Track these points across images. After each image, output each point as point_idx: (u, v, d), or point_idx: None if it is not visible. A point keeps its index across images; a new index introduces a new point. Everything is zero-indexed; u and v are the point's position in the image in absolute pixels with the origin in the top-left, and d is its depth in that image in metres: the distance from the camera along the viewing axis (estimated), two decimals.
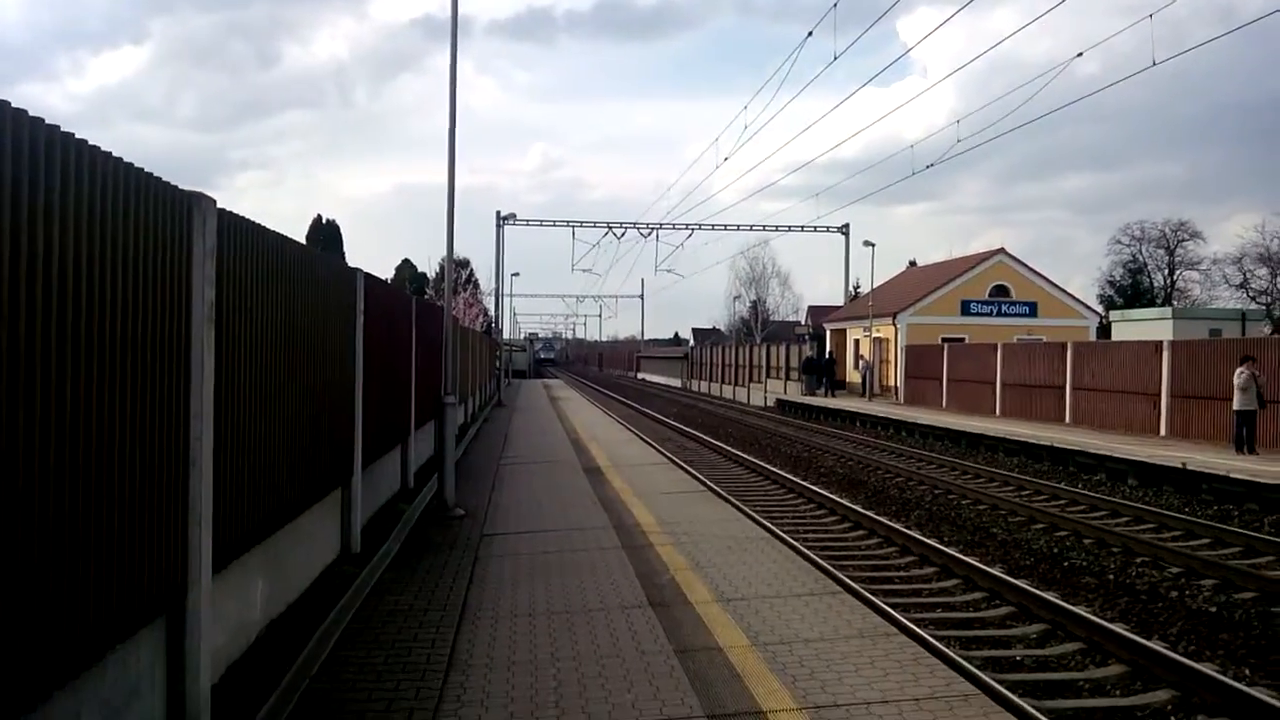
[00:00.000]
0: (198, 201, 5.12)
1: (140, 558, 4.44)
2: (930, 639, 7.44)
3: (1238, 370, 19.23)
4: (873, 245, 43.23)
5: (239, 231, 5.80)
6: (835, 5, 14.56)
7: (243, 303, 5.90)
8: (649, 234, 51.77)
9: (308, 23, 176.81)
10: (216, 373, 5.31)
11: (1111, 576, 10.72)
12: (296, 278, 7.16)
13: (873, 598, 8.74)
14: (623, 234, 51.63)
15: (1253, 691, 6.64)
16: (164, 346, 4.71)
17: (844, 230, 52.39)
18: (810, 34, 15.87)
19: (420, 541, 10.14)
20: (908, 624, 7.79)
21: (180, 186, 4.93)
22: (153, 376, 4.57)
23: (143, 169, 4.44)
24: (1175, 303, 61.35)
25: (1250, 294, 61.04)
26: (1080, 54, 21.18)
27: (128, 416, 4.29)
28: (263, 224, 6.29)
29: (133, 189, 4.33)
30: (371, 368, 10.18)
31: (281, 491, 6.87)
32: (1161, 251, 69.68)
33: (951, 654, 7.09)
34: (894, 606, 8.70)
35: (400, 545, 9.89)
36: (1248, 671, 7.58)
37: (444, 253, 14.50)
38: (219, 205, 5.35)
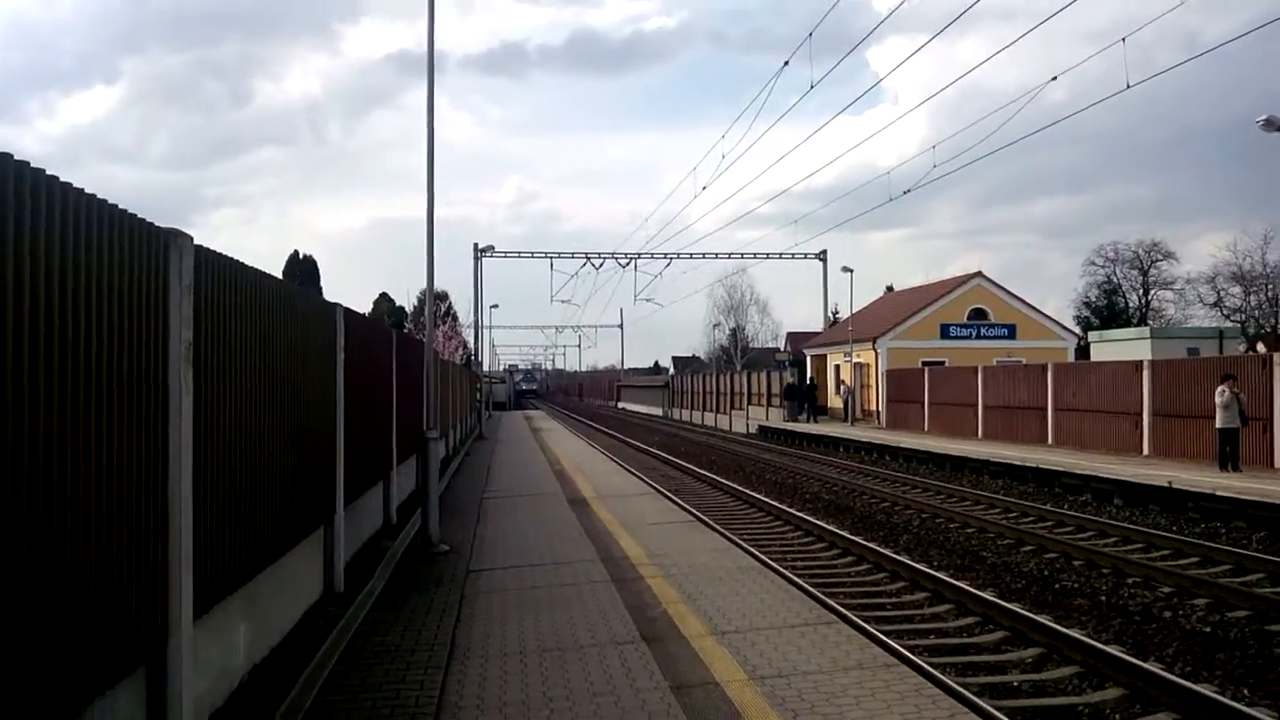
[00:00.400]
0: (174, 239, 5.01)
1: (119, 606, 4.29)
2: (930, 669, 7.33)
3: (1219, 388, 19.32)
4: (851, 271, 43.46)
5: (216, 268, 5.68)
6: (810, 35, 14.66)
7: (221, 340, 5.77)
8: (627, 264, 51.82)
9: (280, 60, 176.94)
10: (195, 412, 5.18)
11: (1104, 598, 10.65)
12: (275, 314, 7.03)
13: (869, 627, 8.61)
14: (601, 264, 51.67)
15: (1253, 713, 6.57)
16: (141, 386, 4.58)
17: (821, 256, 52.61)
18: (786, 63, 15.98)
19: (405, 579, 9.96)
20: (907, 654, 7.67)
21: (156, 224, 4.82)
22: (129, 417, 4.43)
23: (117, 206, 4.33)
24: (1150, 323, 61.84)
25: (1224, 312, 61.64)
26: (1055, 78, 21.37)
27: (103, 458, 4.15)
28: (240, 260, 6.18)
29: (107, 225, 4.21)
30: (352, 403, 10.03)
31: (264, 532, 6.71)
32: (1135, 272, 70.35)
33: (952, 684, 6.97)
34: (889, 634, 8.58)
35: (385, 583, 9.70)
36: (1246, 692, 7.50)
37: (422, 286, 14.43)
38: (195, 242, 5.24)
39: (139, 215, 4.59)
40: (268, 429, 6.78)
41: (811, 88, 15.25)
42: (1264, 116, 19.57)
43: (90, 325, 4.02)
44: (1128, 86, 15.99)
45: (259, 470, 6.56)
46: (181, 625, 4.93)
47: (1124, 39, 15.82)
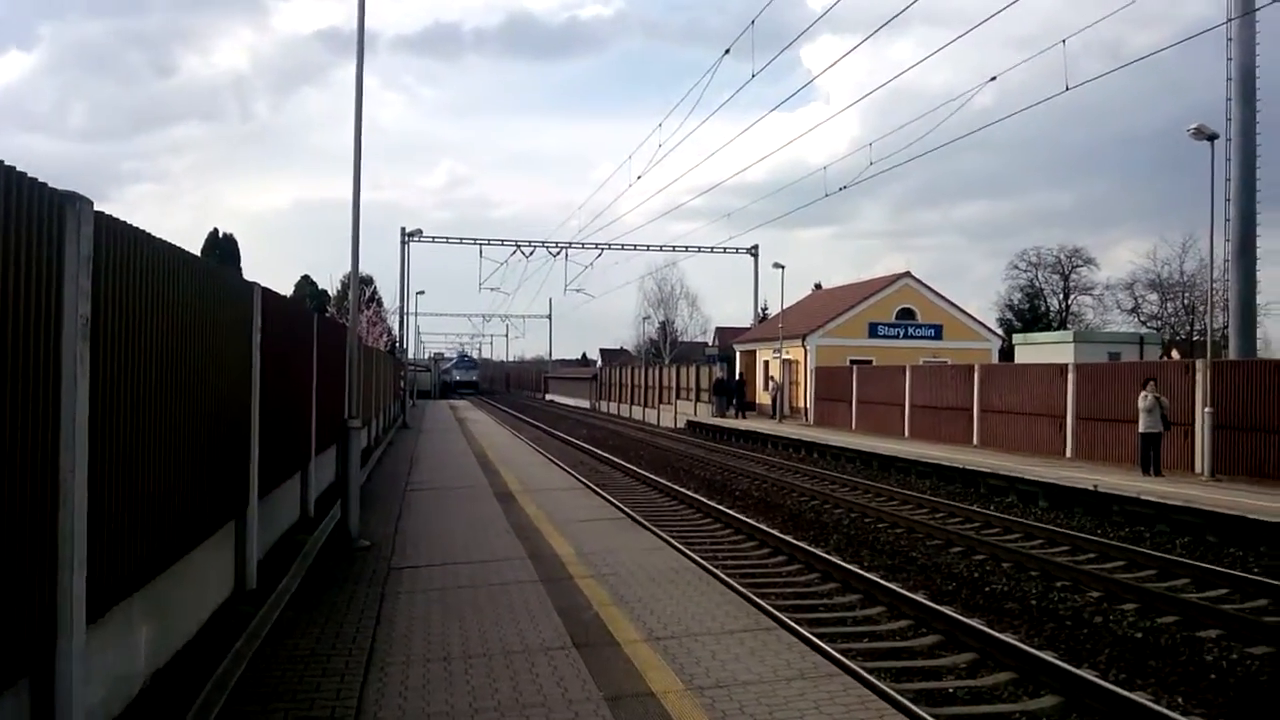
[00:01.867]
0: (71, 203, 4.53)
1: None
2: (873, 680, 7.10)
3: (1142, 394, 19.61)
4: (783, 267, 43.53)
5: (119, 238, 5.18)
6: (753, 23, 14.42)
7: (124, 318, 5.27)
8: (558, 253, 51.34)
9: (207, 32, 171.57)
10: (92, 397, 4.69)
11: (1034, 601, 10.60)
12: (186, 291, 6.52)
13: (808, 634, 8.37)
14: (531, 253, 51.09)
15: None
16: (27, 367, 4.10)
17: (753, 252, 52.68)
18: (728, 51, 15.72)
19: (322, 576, 9.48)
20: (849, 664, 7.44)
21: (50, 185, 4.34)
22: (13, 400, 3.96)
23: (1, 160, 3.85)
24: (1070, 326, 63.21)
25: (1141, 318, 63.33)
26: (994, 78, 21.45)
27: None
28: (147, 231, 5.68)
29: None
30: (269, 389, 9.51)
31: (169, 527, 6.21)
32: (1057, 277, 71.88)
33: (900, 697, 6.74)
34: (826, 639, 8.36)
35: (300, 581, 9.22)
36: (1180, 700, 7.45)
37: (346, 269, 13.87)
38: (96, 209, 4.75)
39: (30, 175, 4.11)
40: (174, 416, 6.28)
41: (753, 76, 15.09)
42: (1194, 125, 19.88)
43: None
44: (1066, 89, 16.04)
45: (164, 460, 6.07)
46: (72, 633, 4.46)
47: (1064, 41, 15.80)
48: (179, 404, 6.37)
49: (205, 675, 6.20)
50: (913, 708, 6.50)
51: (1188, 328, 59.65)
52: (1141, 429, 19.60)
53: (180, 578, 6.67)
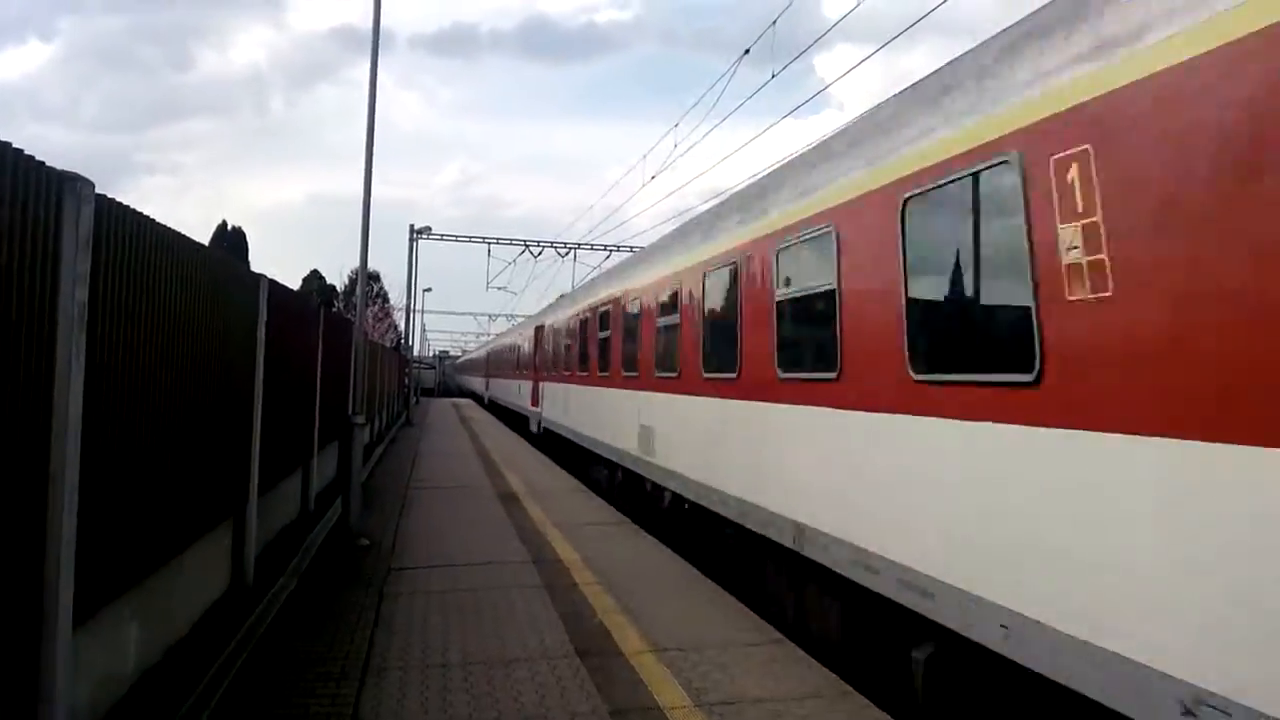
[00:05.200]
0: (71, 185, 4.34)
1: None
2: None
3: None
4: None
5: (121, 223, 5.00)
6: (774, 24, 14.22)
7: (123, 306, 5.09)
8: (567, 253, 51.03)
9: (224, 28, 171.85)
10: (88, 387, 4.50)
11: None
12: (190, 280, 6.34)
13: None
14: (540, 253, 50.79)
15: None
16: (20, 353, 3.91)
17: None
18: (748, 51, 15.46)
19: (321, 575, 9.29)
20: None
21: (49, 165, 4.16)
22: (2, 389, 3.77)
23: None
24: None
25: None
26: None
27: None
28: (151, 216, 5.50)
29: None
30: (273, 384, 9.32)
31: (166, 524, 6.01)
32: None
33: None
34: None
35: (298, 580, 9.03)
36: None
37: (355, 265, 13.69)
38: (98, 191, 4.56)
39: (27, 152, 3.93)
40: (174, 408, 6.09)
41: (773, 76, 14.75)
42: None
43: None
44: None
45: (162, 454, 5.87)
46: (58, 636, 4.26)
47: None
48: (178, 397, 6.18)
49: (197, 677, 6.01)
50: None
51: None
52: None
53: (175, 574, 6.47)
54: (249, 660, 6.53)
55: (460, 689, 6.00)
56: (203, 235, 75.92)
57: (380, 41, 13.72)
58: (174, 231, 5.97)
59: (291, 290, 11.35)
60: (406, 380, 45.15)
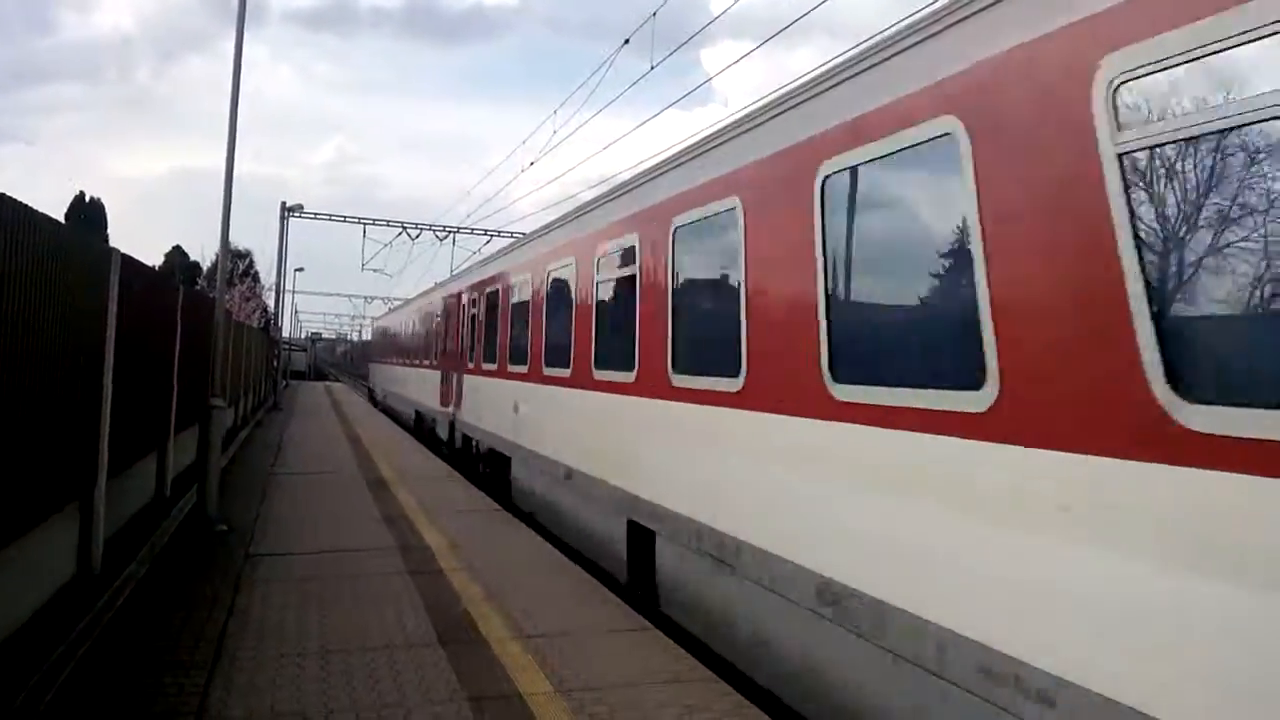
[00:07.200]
0: None
1: None
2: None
3: None
4: None
5: None
6: (654, 15, 14.26)
7: None
8: (445, 237, 50.21)
9: None
10: None
11: None
12: (30, 252, 5.98)
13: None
14: (417, 235, 49.85)
15: None
16: None
17: None
18: (627, 41, 15.47)
19: (174, 562, 8.94)
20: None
21: None
22: None
23: None
24: None
25: None
26: None
27: None
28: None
29: None
30: (126, 364, 8.90)
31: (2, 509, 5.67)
32: None
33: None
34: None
35: (149, 566, 8.67)
36: None
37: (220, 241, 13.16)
38: None
39: None
40: (10, 387, 5.74)
41: (652, 68, 14.79)
42: None
43: None
44: None
45: None
46: None
47: None
48: (16, 376, 5.83)
49: (33, 667, 5.70)
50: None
51: None
52: None
53: (10, 561, 6.11)
54: (91, 650, 6.23)
55: (315, 678, 5.84)
56: (60, 207, 72.01)
57: (250, 10, 13.22)
58: (12, 200, 5.62)
59: (148, 266, 10.86)
60: (275, 362, 43.81)
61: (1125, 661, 3.54)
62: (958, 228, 4.63)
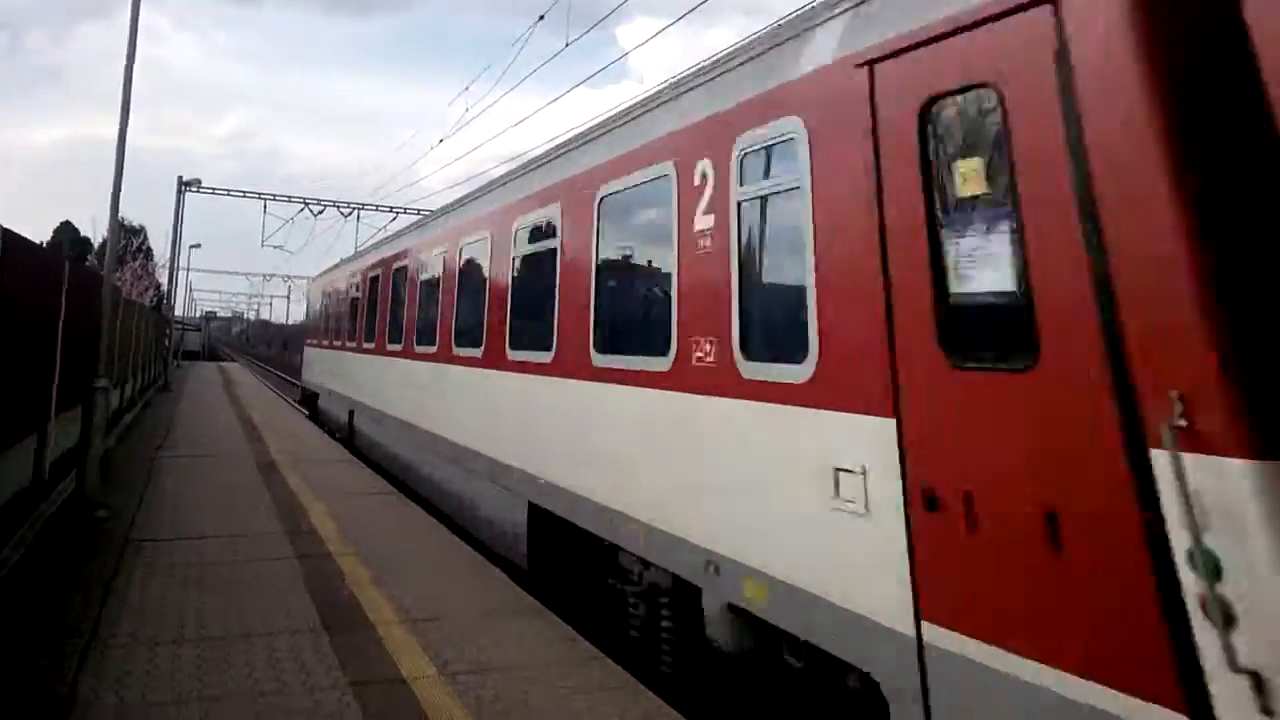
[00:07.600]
0: None
1: None
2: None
3: None
4: None
5: None
6: None
7: None
8: (350, 214, 49.22)
9: None
10: None
11: None
12: None
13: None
14: (320, 211, 48.70)
15: None
16: None
17: None
18: (542, 18, 15.36)
19: (50, 547, 8.66)
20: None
21: None
22: None
23: None
24: None
25: None
26: None
27: None
28: None
29: None
30: (3, 341, 8.58)
31: None
32: None
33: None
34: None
35: (23, 552, 8.38)
36: None
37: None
38: None
39: None
40: None
41: (567, 45, 14.72)
42: None
43: None
44: None
45: None
46: None
47: None
48: None
49: None
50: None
51: None
52: None
53: None
54: None
55: (190, 666, 5.74)
56: None
57: None
58: None
59: (29, 241, 10.44)
60: (167, 342, 42.50)
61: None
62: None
